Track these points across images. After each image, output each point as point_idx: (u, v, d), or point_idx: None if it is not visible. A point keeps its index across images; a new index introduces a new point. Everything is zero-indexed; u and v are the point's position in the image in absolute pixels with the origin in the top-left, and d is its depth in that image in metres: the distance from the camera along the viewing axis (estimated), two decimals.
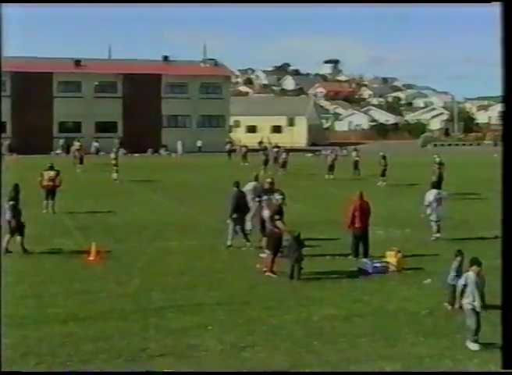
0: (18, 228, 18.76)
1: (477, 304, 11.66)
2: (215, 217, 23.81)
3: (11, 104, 68.35)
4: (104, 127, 74.77)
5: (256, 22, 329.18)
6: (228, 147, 62.38)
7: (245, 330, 12.44)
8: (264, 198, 19.53)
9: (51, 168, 27.44)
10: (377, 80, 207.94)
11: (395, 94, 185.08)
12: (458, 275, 12.95)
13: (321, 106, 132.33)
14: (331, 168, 42.79)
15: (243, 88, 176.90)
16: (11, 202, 19.04)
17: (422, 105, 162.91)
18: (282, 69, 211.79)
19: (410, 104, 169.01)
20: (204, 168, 51.31)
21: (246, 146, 58.84)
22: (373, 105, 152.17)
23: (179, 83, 78.24)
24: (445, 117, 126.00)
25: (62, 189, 27.70)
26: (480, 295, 11.67)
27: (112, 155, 41.51)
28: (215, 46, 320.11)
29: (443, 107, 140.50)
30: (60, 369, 10.57)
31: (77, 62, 75.98)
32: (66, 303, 14.15)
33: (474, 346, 11.55)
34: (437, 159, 35.36)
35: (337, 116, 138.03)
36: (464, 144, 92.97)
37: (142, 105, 74.21)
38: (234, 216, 19.59)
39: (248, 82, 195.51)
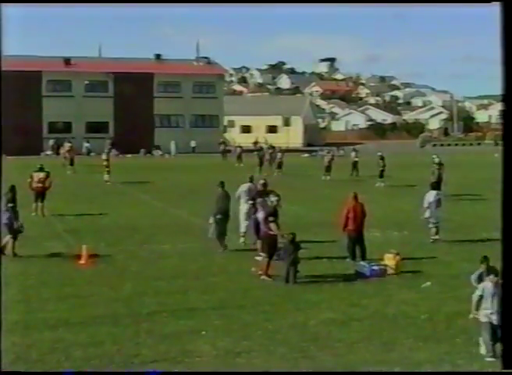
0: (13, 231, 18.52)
1: (495, 317, 11.01)
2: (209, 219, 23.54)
3: None
4: (96, 127, 74.15)
5: (250, 19, 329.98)
6: (221, 147, 62.14)
7: (240, 335, 12.25)
8: (259, 200, 19.30)
9: (41, 169, 27.08)
10: (374, 79, 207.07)
11: (393, 92, 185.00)
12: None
13: (318, 105, 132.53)
14: (328, 169, 42.72)
15: (238, 87, 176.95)
16: (9, 204, 18.81)
17: (421, 104, 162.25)
18: (277, 68, 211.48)
19: (408, 103, 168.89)
20: (197, 169, 51.09)
21: (240, 146, 58.71)
22: (370, 105, 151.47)
23: (172, 82, 77.62)
24: (444, 116, 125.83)
25: (52, 191, 27.40)
26: (498, 307, 10.88)
27: (104, 156, 41.19)
28: (209, 44, 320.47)
29: (442, 106, 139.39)
30: None
31: (67, 61, 75.05)
32: (56, 308, 13.92)
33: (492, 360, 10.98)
34: (436, 160, 35.08)
35: (334, 116, 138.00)
36: (463, 144, 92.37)
37: (134, 105, 73.39)
38: (218, 216, 19.33)
39: (242, 81, 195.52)
